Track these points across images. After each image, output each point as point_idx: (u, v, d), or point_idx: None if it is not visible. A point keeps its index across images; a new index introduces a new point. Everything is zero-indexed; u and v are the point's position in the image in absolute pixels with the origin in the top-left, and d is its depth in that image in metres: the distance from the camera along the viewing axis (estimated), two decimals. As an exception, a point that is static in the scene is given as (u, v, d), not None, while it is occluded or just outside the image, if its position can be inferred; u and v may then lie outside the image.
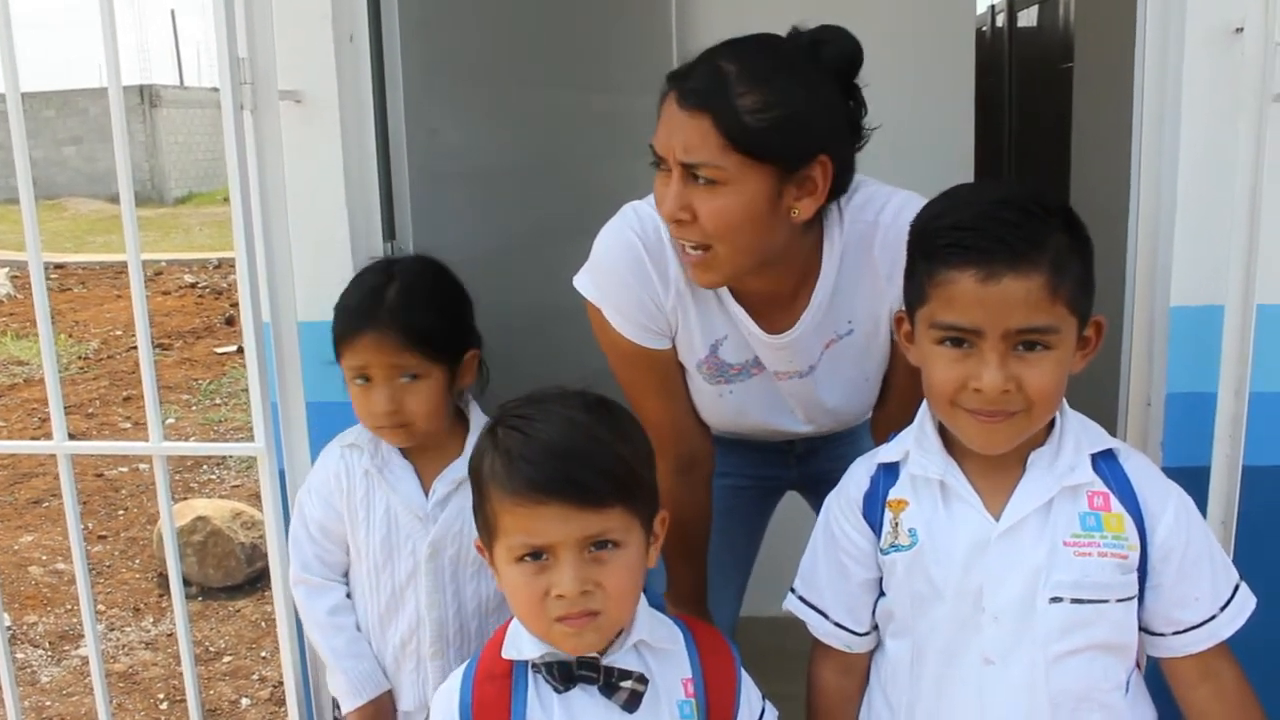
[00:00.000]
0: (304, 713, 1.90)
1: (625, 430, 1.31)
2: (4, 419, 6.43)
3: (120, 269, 10.20)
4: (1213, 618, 1.36)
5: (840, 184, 1.51)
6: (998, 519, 1.35)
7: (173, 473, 5.19)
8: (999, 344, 1.25)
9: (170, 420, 6.17)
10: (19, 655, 3.61)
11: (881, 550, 1.43)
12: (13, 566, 4.32)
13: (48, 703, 3.34)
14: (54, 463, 1.90)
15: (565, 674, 1.29)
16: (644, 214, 1.63)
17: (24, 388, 7.02)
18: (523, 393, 1.35)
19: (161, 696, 3.36)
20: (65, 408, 1.91)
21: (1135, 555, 1.34)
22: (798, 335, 1.64)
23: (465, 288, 1.76)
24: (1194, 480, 1.59)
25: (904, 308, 1.40)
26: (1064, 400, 1.36)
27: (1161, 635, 1.38)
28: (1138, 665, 1.44)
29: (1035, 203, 1.28)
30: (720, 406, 1.78)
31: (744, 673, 1.42)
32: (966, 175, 3.00)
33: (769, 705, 1.44)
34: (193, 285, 10.46)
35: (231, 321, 8.55)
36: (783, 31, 1.51)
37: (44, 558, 4.41)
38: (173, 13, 37.34)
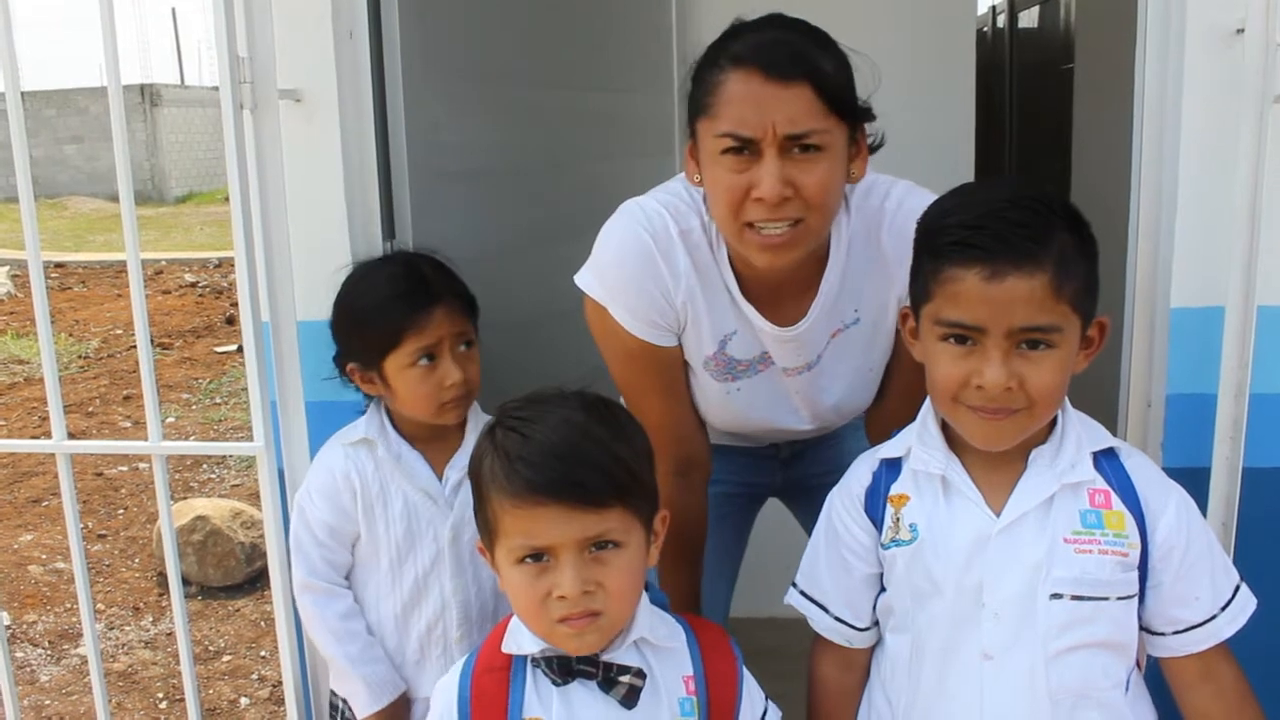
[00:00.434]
0: (303, 712, 1.90)
1: (624, 430, 1.31)
2: (4, 418, 6.43)
3: (121, 268, 10.21)
4: (1213, 617, 1.36)
5: (872, 145, 1.54)
6: (998, 515, 1.36)
7: (172, 472, 5.19)
8: (1002, 342, 1.26)
9: (170, 419, 6.17)
10: (18, 654, 3.61)
11: (882, 545, 1.43)
12: (12, 565, 4.32)
13: (47, 701, 3.33)
14: (54, 462, 1.90)
15: (564, 668, 1.30)
16: (651, 210, 1.62)
17: (24, 386, 7.02)
18: (522, 391, 1.35)
19: (161, 696, 3.35)
20: (65, 407, 1.91)
21: (1136, 553, 1.35)
22: (807, 326, 1.63)
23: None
24: (1194, 481, 1.59)
25: (908, 304, 1.41)
26: (1066, 399, 1.37)
27: (1162, 634, 1.39)
28: (1138, 665, 1.45)
29: (1041, 202, 1.29)
30: (726, 405, 1.77)
31: (746, 672, 1.42)
32: (967, 176, 3.00)
33: (771, 705, 1.44)
34: (193, 284, 10.46)
35: (232, 321, 8.56)
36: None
37: (44, 556, 4.41)
38: (174, 11, 37.33)
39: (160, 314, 8.96)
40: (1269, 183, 1.55)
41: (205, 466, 5.37)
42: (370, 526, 1.74)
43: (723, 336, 1.67)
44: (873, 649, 1.52)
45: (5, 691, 2.01)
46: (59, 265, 11.53)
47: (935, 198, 1.41)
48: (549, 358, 1.98)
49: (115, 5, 1.71)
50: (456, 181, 2.17)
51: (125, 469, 5.31)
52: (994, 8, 5.97)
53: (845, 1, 3.02)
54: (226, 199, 1.71)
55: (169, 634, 3.70)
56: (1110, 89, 2.76)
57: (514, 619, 1.34)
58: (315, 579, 1.74)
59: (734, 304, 1.63)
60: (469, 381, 1.70)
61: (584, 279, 1.65)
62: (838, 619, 1.49)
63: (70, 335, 8.36)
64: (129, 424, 6.13)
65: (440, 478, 1.75)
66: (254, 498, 4.37)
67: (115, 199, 1.80)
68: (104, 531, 4.65)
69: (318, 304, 1.78)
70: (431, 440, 1.75)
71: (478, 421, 1.73)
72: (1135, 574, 1.35)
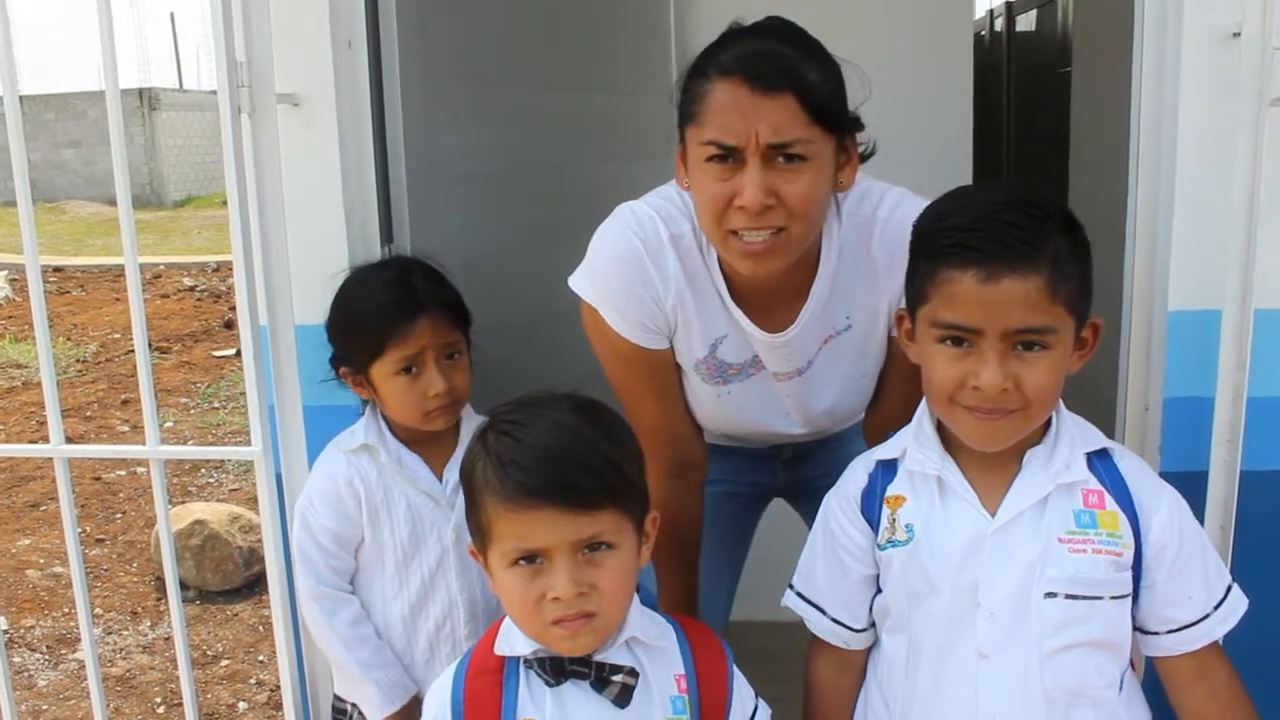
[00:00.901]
0: (301, 717, 1.90)
1: (615, 432, 1.32)
2: (2, 422, 6.42)
3: (119, 272, 10.19)
4: (1205, 617, 1.37)
5: (864, 153, 1.55)
6: (993, 515, 1.37)
7: (171, 476, 5.18)
8: (998, 343, 1.28)
9: (169, 423, 6.17)
10: (16, 659, 3.60)
11: (879, 546, 1.44)
12: (10, 570, 4.32)
13: (45, 706, 3.33)
14: (52, 466, 1.90)
15: (557, 668, 1.31)
16: (642, 214, 1.63)
17: (22, 391, 7.01)
18: (521, 393, 1.35)
19: (159, 700, 3.35)
20: (63, 411, 1.91)
21: (1129, 553, 1.36)
22: (797, 333, 1.64)
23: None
24: (1192, 485, 1.59)
25: (905, 306, 1.41)
26: (1060, 401, 1.38)
27: (1155, 634, 1.40)
28: (1134, 667, 1.45)
29: (1036, 205, 1.30)
30: (718, 408, 1.78)
31: (736, 670, 1.43)
32: (965, 179, 3.00)
33: (762, 703, 1.45)
34: (192, 288, 10.46)
35: (230, 325, 8.55)
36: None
37: (42, 561, 4.40)
38: (172, 15, 37.40)
39: (159, 318, 8.96)
40: (1266, 185, 1.55)
41: (203, 471, 5.36)
42: (375, 531, 1.74)
43: (713, 340, 1.68)
44: (869, 650, 1.53)
45: (3, 696, 2.01)
46: (57, 269, 11.53)
47: (929, 204, 1.41)
48: (548, 360, 1.97)
49: (114, 9, 1.71)
50: (455, 185, 2.17)
51: (123, 473, 5.31)
52: (992, 11, 5.98)
53: (843, 5, 3.04)
54: (225, 203, 1.71)
55: (167, 638, 3.70)
56: (1108, 92, 2.77)
57: (506, 621, 1.35)
58: (323, 586, 1.75)
59: (724, 308, 1.64)
60: (455, 390, 1.71)
61: (577, 282, 1.66)
62: (834, 620, 1.50)
63: (69, 339, 8.36)
64: (127, 428, 6.13)
65: (440, 479, 1.76)
66: (252, 502, 4.36)
67: (114, 203, 1.80)
68: (102, 536, 4.65)
69: (316, 308, 1.78)
70: (428, 443, 1.76)
71: (472, 423, 1.74)
72: (1129, 574, 1.36)
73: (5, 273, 10.64)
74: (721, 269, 1.62)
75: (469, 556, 1.71)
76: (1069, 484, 1.36)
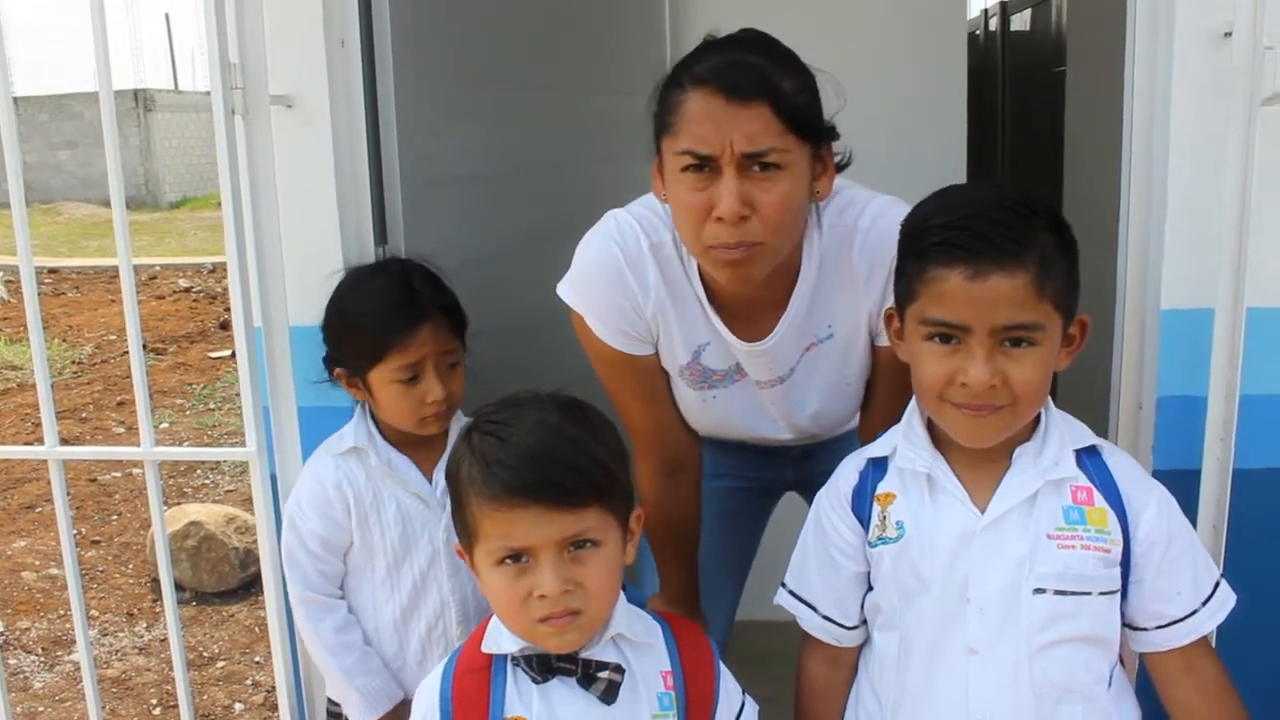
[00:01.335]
0: (296, 718, 1.89)
1: (598, 431, 1.33)
2: (-3, 424, 6.42)
3: (114, 273, 10.17)
4: (1194, 613, 1.38)
5: (840, 163, 1.55)
6: (983, 512, 1.37)
7: (166, 478, 5.18)
8: (986, 340, 1.29)
9: (164, 425, 6.16)
10: (12, 661, 3.60)
11: (869, 543, 1.45)
12: (6, 572, 4.31)
13: (40, 709, 3.33)
14: (47, 468, 1.90)
15: (544, 666, 1.31)
16: (624, 222, 1.64)
17: (17, 392, 7.01)
18: (504, 395, 1.36)
19: (155, 702, 3.35)
20: (59, 412, 1.91)
21: (1118, 550, 1.37)
22: (775, 342, 1.65)
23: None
24: (1185, 483, 1.60)
25: (894, 305, 1.42)
26: (1049, 399, 1.39)
27: (1144, 630, 1.41)
28: (1124, 664, 1.46)
29: (1023, 204, 1.31)
30: (704, 412, 1.79)
31: (723, 666, 1.44)
32: (959, 178, 3.01)
33: (749, 700, 1.46)
34: (187, 289, 10.45)
35: (226, 326, 8.54)
36: (778, 34, 1.52)
37: (37, 563, 4.40)
38: (167, 16, 37.27)
39: (154, 319, 8.95)
40: (1258, 184, 1.55)
41: (199, 472, 5.36)
42: (365, 534, 1.74)
43: (696, 347, 1.69)
44: (861, 648, 1.54)
45: (-2, 698, 2.01)
46: (53, 271, 11.51)
47: (918, 203, 1.42)
48: (544, 362, 1.97)
49: (108, 10, 1.71)
50: (449, 186, 2.17)
51: (119, 475, 5.30)
52: (986, 11, 5.98)
53: (836, 6, 3.05)
54: (220, 204, 1.71)
55: (163, 640, 3.70)
56: (1102, 92, 2.77)
57: (493, 619, 1.36)
58: (311, 592, 1.75)
59: (705, 317, 1.65)
60: (451, 398, 1.72)
61: (563, 288, 1.68)
62: (826, 618, 1.51)
63: (64, 341, 8.35)
64: (123, 430, 6.12)
65: (430, 481, 1.77)
66: (248, 503, 4.35)
67: (109, 204, 1.80)
68: (98, 537, 4.64)
69: (310, 309, 1.79)
70: (418, 445, 1.77)
71: (460, 425, 1.74)
72: (1117, 570, 1.37)
73: (0, 274, 10.63)
74: (702, 277, 1.62)
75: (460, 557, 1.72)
76: (1058, 481, 1.37)
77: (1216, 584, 1.40)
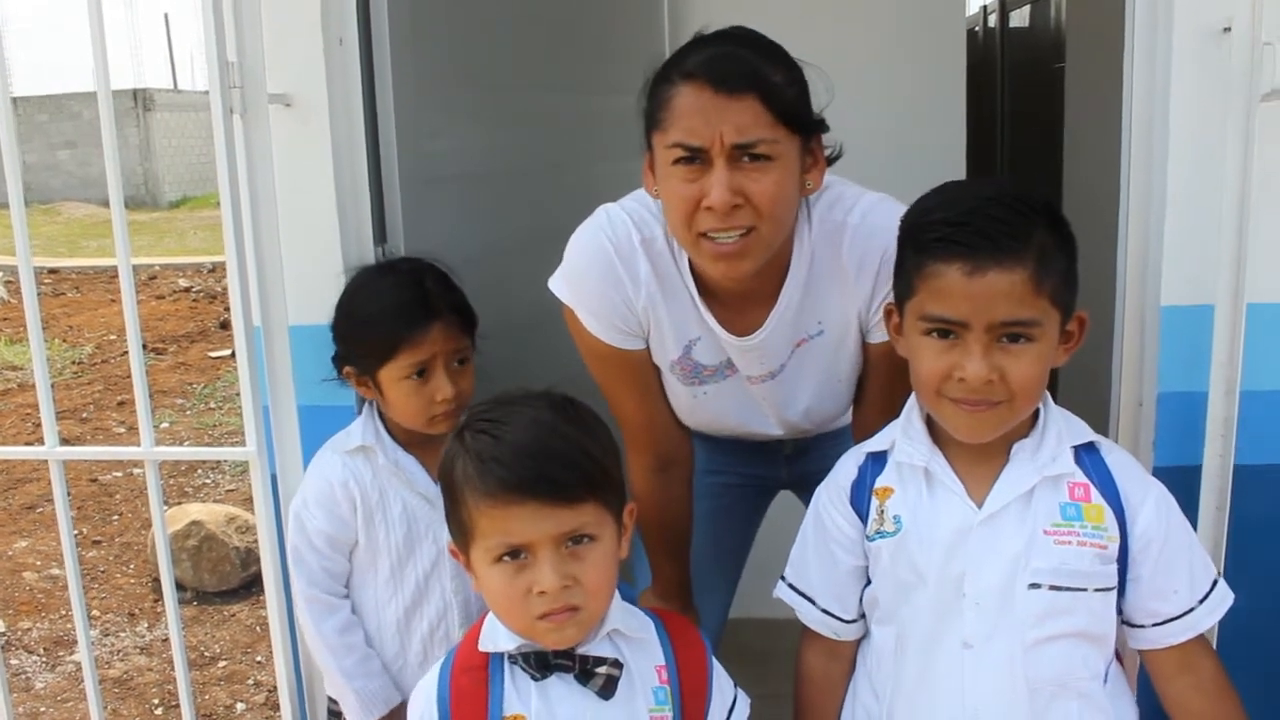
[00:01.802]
0: (298, 717, 1.90)
1: (591, 427, 1.33)
2: (-2, 424, 6.42)
3: (114, 273, 10.17)
4: (1191, 610, 1.38)
5: (830, 156, 1.56)
6: (980, 507, 1.38)
7: (167, 477, 5.18)
8: (983, 335, 1.29)
9: (165, 424, 6.16)
10: (13, 661, 3.60)
11: (868, 537, 1.46)
12: (7, 572, 4.32)
13: (42, 709, 3.33)
14: (48, 468, 1.90)
15: (541, 663, 1.31)
16: (615, 216, 1.65)
17: (18, 393, 7.01)
18: (495, 394, 1.36)
19: (156, 702, 3.35)
20: (59, 412, 1.91)
21: (1114, 546, 1.37)
22: (765, 337, 1.65)
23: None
24: (1186, 479, 1.60)
25: (893, 300, 1.43)
26: (1048, 394, 1.40)
27: (1141, 627, 1.41)
28: (1121, 662, 1.46)
29: (1021, 200, 1.32)
30: (694, 408, 1.80)
31: (715, 661, 1.44)
32: (958, 174, 3.00)
33: (741, 693, 1.46)
34: (187, 289, 10.45)
35: (226, 325, 8.54)
36: (776, 34, 1.52)
37: (39, 563, 4.40)
38: (166, 16, 37.24)
39: (154, 319, 8.95)
40: (1257, 180, 1.55)
41: (200, 471, 5.36)
42: (370, 533, 1.74)
43: (687, 342, 1.69)
44: (859, 641, 1.54)
45: (1, 699, 2.01)
46: (52, 271, 11.51)
47: (903, 210, 1.43)
48: (542, 360, 1.97)
49: (107, 9, 1.71)
50: (448, 185, 2.17)
51: (120, 475, 5.30)
52: (985, 7, 5.97)
53: (835, 4, 3.05)
54: (219, 203, 1.71)
55: (165, 640, 3.70)
56: (1101, 87, 2.77)
57: (489, 617, 1.36)
58: (316, 590, 1.75)
59: (696, 311, 1.66)
60: (461, 396, 1.72)
61: (555, 283, 1.68)
62: (825, 611, 1.52)
63: (64, 341, 8.35)
64: (123, 429, 6.12)
65: (436, 481, 1.76)
66: (249, 502, 4.35)
67: (108, 204, 1.80)
68: (99, 538, 4.64)
69: (310, 309, 1.79)
70: (424, 445, 1.76)
71: None
72: (1114, 566, 1.37)
73: (0, 275, 10.63)
74: (693, 271, 1.63)
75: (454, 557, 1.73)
76: (1055, 476, 1.38)
77: (1215, 582, 1.40)
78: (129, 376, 1.95)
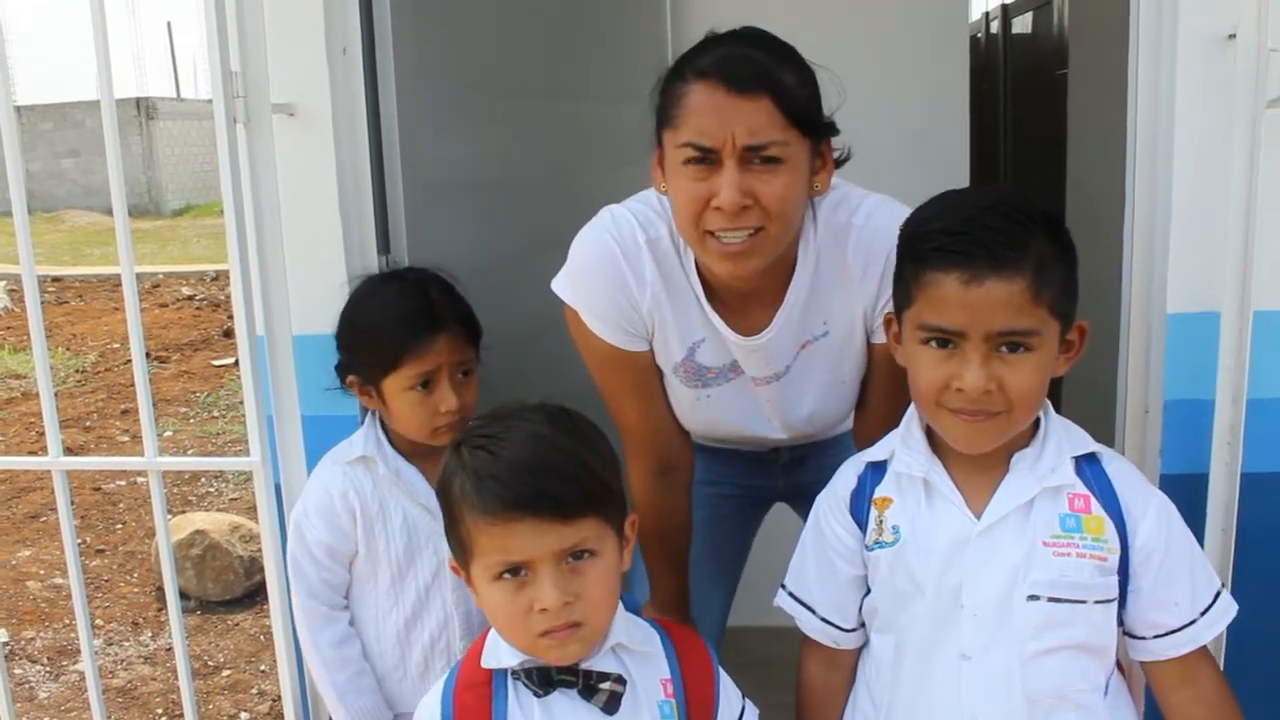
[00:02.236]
0: (302, 727, 1.89)
1: (589, 439, 1.32)
2: (2, 433, 6.42)
3: (117, 281, 10.17)
4: (1192, 622, 1.37)
5: (839, 159, 1.56)
6: (979, 517, 1.37)
7: (171, 486, 5.18)
8: (982, 345, 1.29)
9: (168, 433, 6.17)
10: (17, 671, 3.60)
11: (866, 547, 1.45)
12: (11, 581, 4.31)
13: (46, 719, 3.32)
14: (51, 477, 1.90)
15: (544, 679, 1.30)
16: (620, 217, 1.65)
17: (21, 401, 7.01)
18: (492, 408, 1.35)
19: (160, 711, 3.34)
20: (63, 421, 1.91)
21: (1115, 558, 1.36)
22: (771, 337, 1.65)
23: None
24: (1192, 487, 1.59)
25: (892, 309, 1.43)
26: (1048, 404, 1.39)
27: (1142, 639, 1.40)
28: (1123, 672, 1.45)
29: (1020, 209, 1.31)
30: (697, 411, 1.79)
31: (722, 671, 1.43)
32: (961, 182, 3.00)
33: (749, 704, 1.45)
34: (190, 297, 10.46)
35: (229, 334, 8.54)
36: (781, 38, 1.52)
37: (42, 572, 4.40)
38: (169, 25, 37.32)
39: (157, 327, 8.96)
40: (1263, 187, 1.55)
41: (203, 480, 5.36)
42: (370, 544, 1.74)
43: (691, 344, 1.69)
44: (860, 650, 1.54)
45: (4, 709, 2.00)
46: (56, 279, 11.53)
47: (908, 212, 1.43)
48: (545, 369, 1.97)
49: (110, 18, 1.71)
50: (451, 194, 2.17)
51: (123, 483, 5.30)
52: (987, 14, 5.98)
53: (838, 10, 3.05)
54: (223, 212, 1.71)
55: (168, 649, 3.69)
56: (1105, 94, 2.77)
57: (491, 634, 1.34)
58: (314, 601, 1.74)
59: (701, 312, 1.65)
60: (464, 408, 1.71)
61: (559, 284, 1.68)
62: (824, 620, 1.51)
63: (68, 349, 8.36)
64: (127, 438, 6.12)
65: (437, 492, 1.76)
66: (253, 511, 4.34)
67: (112, 212, 1.80)
68: (102, 546, 4.64)
69: (313, 318, 1.78)
70: (426, 456, 1.75)
71: None
72: (1114, 578, 1.37)
73: (3, 283, 10.65)
74: (698, 272, 1.63)
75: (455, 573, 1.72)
76: (1055, 487, 1.37)
77: (1217, 594, 1.39)
78: (132, 385, 1.95)
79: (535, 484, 1.23)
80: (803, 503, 2.03)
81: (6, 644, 3.77)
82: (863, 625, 1.52)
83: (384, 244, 1.95)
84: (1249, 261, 1.56)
